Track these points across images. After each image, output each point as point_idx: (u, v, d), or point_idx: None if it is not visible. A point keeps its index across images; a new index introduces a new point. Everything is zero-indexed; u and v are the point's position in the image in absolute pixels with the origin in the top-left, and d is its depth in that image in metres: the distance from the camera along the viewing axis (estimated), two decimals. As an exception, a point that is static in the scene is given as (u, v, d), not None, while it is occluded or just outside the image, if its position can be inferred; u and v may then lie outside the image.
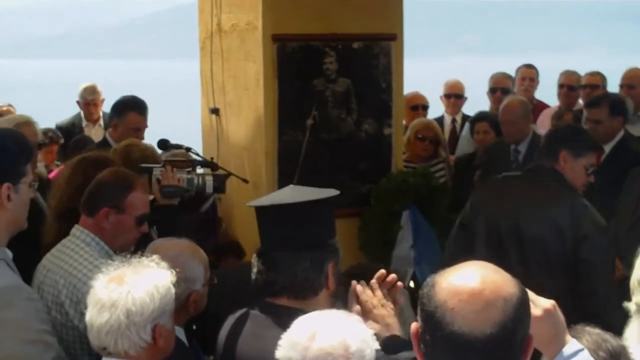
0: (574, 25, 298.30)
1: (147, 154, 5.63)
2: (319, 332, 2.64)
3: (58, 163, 7.67)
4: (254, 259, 3.25)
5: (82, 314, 3.79)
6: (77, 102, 9.05)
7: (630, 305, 3.55)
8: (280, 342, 2.70)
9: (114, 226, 4.10)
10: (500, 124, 7.47)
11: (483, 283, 2.08)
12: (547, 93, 9.25)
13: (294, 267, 3.14)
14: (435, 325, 2.08)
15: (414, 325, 2.17)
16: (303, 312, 2.94)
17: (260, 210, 3.26)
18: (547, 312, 2.39)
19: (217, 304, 4.34)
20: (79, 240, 4.09)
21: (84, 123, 8.94)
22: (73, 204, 4.35)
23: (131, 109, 6.64)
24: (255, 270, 3.23)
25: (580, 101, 8.76)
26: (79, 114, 9.04)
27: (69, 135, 8.38)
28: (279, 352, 2.68)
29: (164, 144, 6.40)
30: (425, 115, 8.63)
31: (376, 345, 2.72)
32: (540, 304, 2.39)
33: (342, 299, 3.29)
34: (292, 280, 3.14)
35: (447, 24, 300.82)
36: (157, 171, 5.21)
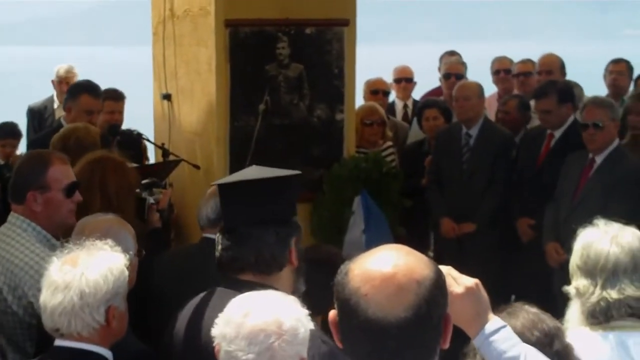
0: (533, 13, 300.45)
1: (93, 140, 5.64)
2: (254, 310, 2.69)
3: None
4: (218, 237, 3.28)
5: (20, 299, 3.86)
6: (52, 81, 8.98)
7: (570, 289, 3.62)
8: (216, 320, 2.73)
9: (45, 206, 4.09)
10: (454, 100, 7.50)
11: (395, 267, 2.06)
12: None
13: (260, 241, 3.17)
14: (350, 313, 2.05)
15: (332, 313, 2.13)
16: (268, 287, 2.98)
17: (227, 188, 3.30)
18: (469, 290, 2.39)
19: (161, 284, 4.35)
20: (15, 226, 4.09)
21: (56, 104, 8.83)
22: None
23: (84, 91, 6.66)
24: (219, 247, 3.25)
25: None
26: (51, 97, 8.98)
27: (40, 117, 8.37)
28: (214, 330, 2.71)
29: (114, 129, 6.39)
30: (385, 100, 8.69)
31: (311, 326, 2.74)
32: (462, 282, 2.39)
33: (303, 276, 3.32)
34: (258, 255, 3.17)
35: (404, 11, 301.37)
36: (150, 198, 5.25)
